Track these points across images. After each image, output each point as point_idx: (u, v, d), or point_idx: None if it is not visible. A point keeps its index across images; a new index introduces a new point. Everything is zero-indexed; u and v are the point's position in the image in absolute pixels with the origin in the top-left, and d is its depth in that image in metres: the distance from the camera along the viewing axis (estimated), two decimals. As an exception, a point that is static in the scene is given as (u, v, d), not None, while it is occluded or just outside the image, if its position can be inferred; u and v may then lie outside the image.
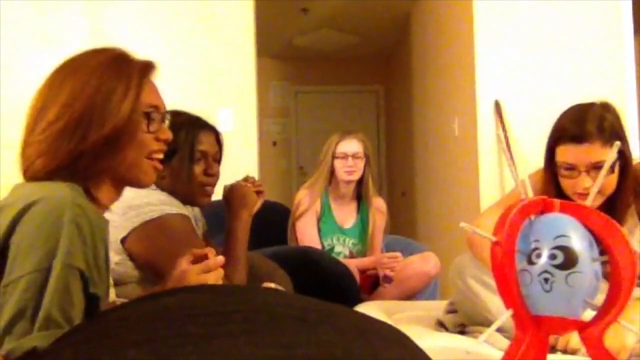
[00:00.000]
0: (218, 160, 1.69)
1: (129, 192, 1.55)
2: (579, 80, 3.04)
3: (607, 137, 1.46)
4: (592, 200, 0.98)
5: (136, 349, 0.66)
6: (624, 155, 1.50)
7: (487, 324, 1.40)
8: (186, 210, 1.57)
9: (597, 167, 1.45)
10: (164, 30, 3.22)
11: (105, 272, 0.99)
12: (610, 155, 1.10)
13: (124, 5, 3.20)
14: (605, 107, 1.52)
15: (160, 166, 1.08)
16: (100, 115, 0.97)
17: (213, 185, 1.65)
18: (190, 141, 1.58)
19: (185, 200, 1.57)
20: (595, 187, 1.00)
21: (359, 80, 6.48)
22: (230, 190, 1.70)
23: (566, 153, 1.50)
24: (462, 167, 3.36)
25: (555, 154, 1.54)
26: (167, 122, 1.11)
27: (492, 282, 1.35)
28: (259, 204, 1.74)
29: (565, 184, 1.53)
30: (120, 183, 1.05)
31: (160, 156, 1.07)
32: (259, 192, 1.74)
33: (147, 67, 1.08)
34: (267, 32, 4.55)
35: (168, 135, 1.09)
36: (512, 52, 3.08)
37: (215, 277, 1.09)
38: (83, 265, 0.88)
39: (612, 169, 1.46)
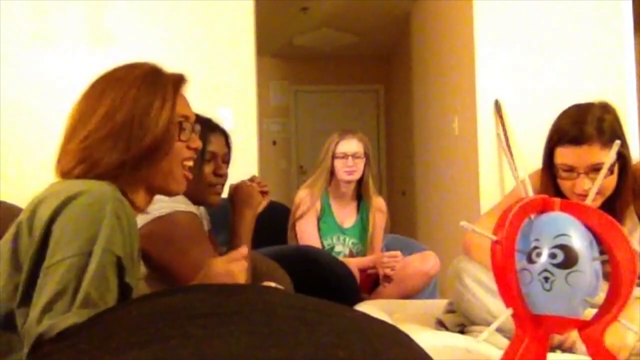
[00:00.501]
0: (227, 161, 1.71)
1: None
2: (578, 80, 3.04)
3: (606, 138, 1.45)
4: (591, 201, 0.98)
5: (138, 350, 0.66)
6: (623, 156, 1.49)
7: (486, 324, 1.40)
8: (195, 209, 1.58)
9: (596, 168, 1.44)
10: (164, 29, 3.22)
11: (137, 266, 1.05)
12: (609, 156, 1.10)
13: (123, 5, 3.20)
14: (605, 108, 1.51)
15: (190, 175, 1.14)
16: (140, 127, 1.03)
17: (222, 185, 1.68)
18: (201, 142, 1.59)
19: (195, 199, 1.59)
20: (595, 189, 1.00)
21: (359, 79, 6.48)
22: (235, 190, 1.71)
23: (565, 155, 1.49)
24: (462, 167, 3.36)
25: (554, 156, 1.53)
26: (196, 131, 1.17)
27: (491, 284, 1.36)
28: (263, 204, 1.76)
29: (564, 185, 1.52)
30: (153, 190, 1.11)
31: (191, 164, 1.14)
32: (264, 193, 1.76)
33: (180, 80, 1.14)
34: (267, 32, 4.55)
35: (198, 143, 1.15)
36: (512, 51, 3.08)
37: (240, 267, 1.14)
38: (122, 253, 0.93)
39: (611, 170, 1.46)
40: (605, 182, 1.43)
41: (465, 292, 1.44)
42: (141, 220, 1.44)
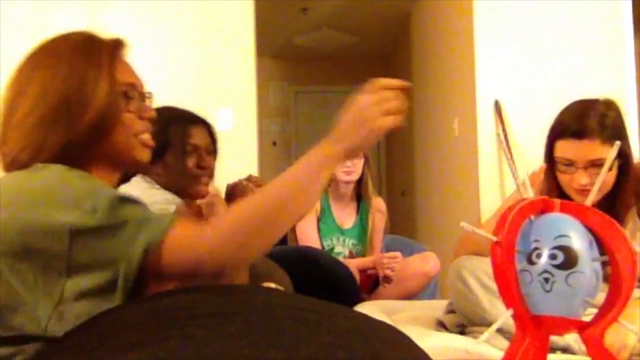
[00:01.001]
0: (212, 152, 1.70)
1: (134, 190, 1.55)
2: (578, 80, 3.04)
3: (608, 134, 1.44)
4: (591, 201, 0.98)
5: (138, 350, 0.66)
6: (624, 154, 1.48)
7: (486, 325, 1.40)
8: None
9: (595, 164, 1.43)
10: (164, 29, 3.22)
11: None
12: (610, 154, 1.10)
13: (123, 5, 3.20)
14: (608, 105, 1.50)
15: (150, 142, 1.05)
16: (77, 103, 0.93)
17: (207, 177, 1.66)
18: (180, 135, 1.59)
19: (180, 193, 1.59)
20: (596, 187, 1.00)
21: (358, 80, 6.36)
22: (232, 189, 1.71)
23: (565, 148, 1.48)
24: (462, 167, 3.36)
25: (554, 149, 1.52)
26: (148, 101, 1.07)
27: (491, 284, 1.36)
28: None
29: (563, 179, 1.51)
30: (117, 165, 1.02)
31: (146, 137, 1.04)
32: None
33: (116, 46, 1.04)
34: (267, 32, 4.55)
35: (151, 113, 1.05)
36: (512, 51, 3.08)
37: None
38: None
39: (610, 167, 1.42)
40: (604, 178, 1.42)
41: (466, 292, 1.44)
42: None
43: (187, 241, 0.87)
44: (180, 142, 1.59)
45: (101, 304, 0.83)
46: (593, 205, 0.98)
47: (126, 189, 1.56)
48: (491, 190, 3.03)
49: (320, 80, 6.41)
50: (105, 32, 1.05)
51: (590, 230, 0.90)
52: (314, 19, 5.15)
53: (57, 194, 0.85)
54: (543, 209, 0.92)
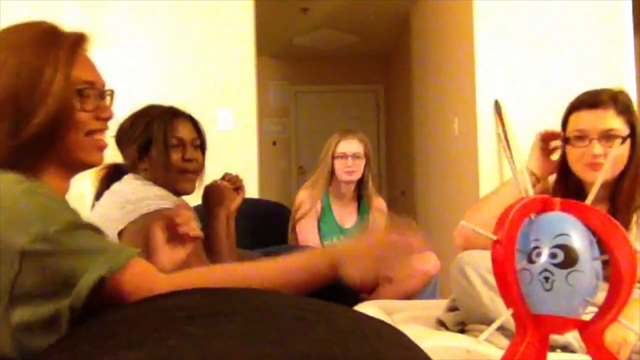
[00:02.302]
0: (198, 146, 1.70)
1: (126, 187, 1.56)
2: (579, 80, 3.04)
3: (620, 108, 1.46)
4: (605, 176, 0.96)
5: (136, 350, 0.66)
6: (636, 131, 1.48)
7: (487, 322, 1.40)
8: (177, 200, 1.59)
9: (608, 135, 1.44)
10: (163, 30, 3.22)
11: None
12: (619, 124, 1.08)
13: (123, 5, 3.20)
14: (621, 90, 1.53)
15: (105, 143, 0.98)
16: (28, 102, 0.86)
17: (194, 171, 1.66)
18: (163, 130, 1.60)
19: (168, 187, 1.59)
20: (608, 164, 0.98)
21: (358, 79, 6.48)
22: (207, 191, 1.72)
23: (578, 120, 1.49)
24: (462, 167, 3.36)
25: (568, 125, 1.53)
26: (108, 99, 1.00)
27: (493, 281, 1.36)
28: (238, 200, 1.76)
29: (575, 155, 1.50)
30: (66, 169, 0.95)
31: (102, 137, 0.97)
32: (238, 189, 1.75)
33: (77, 41, 0.96)
34: (267, 32, 4.55)
35: (109, 113, 0.98)
36: (512, 51, 3.08)
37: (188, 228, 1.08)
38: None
39: (623, 140, 1.45)
40: (617, 154, 1.44)
41: (468, 287, 1.43)
42: (127, 216, 1.45)
43: (142, 279, 0.84)
44: (163, 136, 1.59)
45: (47, 338, 0.76)
46: (605, 184, 0.98)
47: (119, 187, 1.57)
48: (491, 189, 3.03)
49: (320, 80, 6.42)
50: (66, 25, 1.00)
51: (591, 229, 0.90)
52: (314, 19, 5.15)
53: (8, 213, 0.79)
54: (543, 207, 0.92)
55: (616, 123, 1.45)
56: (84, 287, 0.79)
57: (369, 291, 2.54)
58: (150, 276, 0.86)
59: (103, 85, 0.99)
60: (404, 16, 4.97)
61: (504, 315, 0.85)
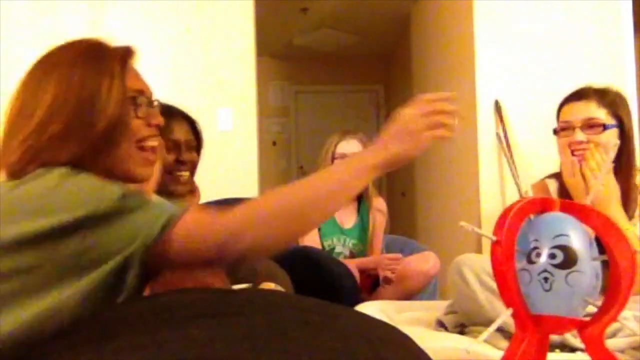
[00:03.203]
0: (194, 147, 1.68)
1: None
2: (579, 80, 3.02)
3: (605, 101, 1.58)
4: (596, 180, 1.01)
5: (137, 351, 0.66)
6: (622, 123, 1.59)
7: (485, 323, 1.40)
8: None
9: (591, 124, 1.56)
10: (164, 29, 3.22)
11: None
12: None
13: (123, 5, 3.20)
14: (609, 87, 1.65)
15: (153, 158, 1.03)
16: (91, 114, 0.92)
17: (187, 173, 1.65)
18: (163, 118, 1.58)
19: (158, 189, 1.58)
20: (603, 171, 1.00)
21: (358, 80, 6.48)
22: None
23: (565, 112, 1.64)
24: (462, 167, 3.36)
25: (558, 120, 1.67)
26: (156, 106, 1.06)
27: (490, 282, 1.37)
28: (195, 202, 1.74)
29: (562, 144, 1.63)
30: (117, 179, 0.99)
31: (154, 143, 1.03)
32: (192, 192, 1.74)
33: (126, 54, 1.03)
34: (267, 32, 4.54)
35: (159, 119, 1.04)
36: (512, 51, 3.08)
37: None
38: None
39: (604, 127, 1.57)
40: (599, 138, 1.56)
41: (465, 288, 1.44)
42: None
43: (208, 220, 0.87)
44: None
45: (114, 298, 0.82)
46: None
47: None
48: (491, 190, 3.03)
49: (320, 80, 6.41)
50: (111, 38, 1.05)
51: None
52: (314, 18, 5.15)
53: (70, 189, 0.84)
54: (543, 208, 0.92)
55: (598, 113, 1.57)
56: (152, 233, 0.82)
57: (369, 291, 2.54)
58: (213, 218, 0.88)
59: (151, 94, 1.06)
60: (404, 16, 4.96)
61: (504, 315, 0.85)
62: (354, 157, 1.03)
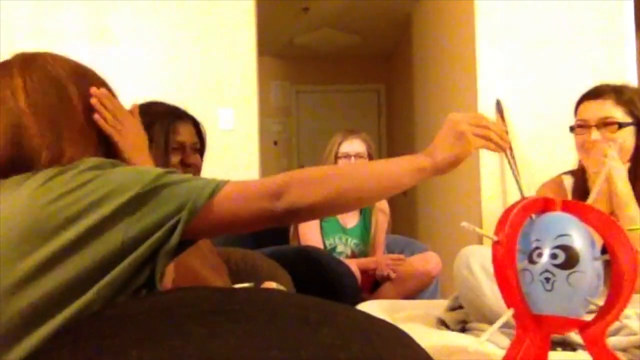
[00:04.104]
0: (197, 150, 1.68)
1: None
2: (580, 80, 3.04)
3: (622, 99, 1.57)
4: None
5: (138, 349, 0.66)
6: (637, 119, 1.58)
7: (487, 313, 1.40)
8: None
9: (607, 123, 1.56)
10: (164, 29, 3.22)
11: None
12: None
13: (124, 5, 3.20)
14: (626, 85, 1.65)
15: None
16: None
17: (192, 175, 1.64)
18: (165, 132, 1.58)
19: None
20: (603, 175, 1.00)
21: (360, 79, 6.48)
22: None
23: (582, 110, 1.63)
24: (464, 167, 3.35)
25: (576, 117, 1.67)
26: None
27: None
28: None
29: (578, 142, 1.64)
30: None
31: None
32: None
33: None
34: (268, 32, 4.54)
35: None
36: (513, 51, 3.07)
37: None
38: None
39: (621, 126, 1.56)
40: (617, 136, 1.55)
41: (470, 278, 1.44)
42: None
43: (252, 183, 0.91)
44: (164, 138, 1.57)
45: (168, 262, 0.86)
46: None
47: None
48: (492, 189, 3.03)
49: (321, 80, 6.41)
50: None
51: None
52: (315, 18, 5.15)
53: (116, 176, 0.88)
54: (544, 207, 0.92)
55: (614, 112, 1.56)
56: (201, 197, 0.86)
57: (370, 291, 2.54)
58: (250, 185, 0.92)
59: None
60: (405, 16, 4.96)
61: (505, 315, 0.85)
62: (403, 158, 1.03)
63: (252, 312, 0.72)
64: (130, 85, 3.03)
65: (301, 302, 0.77)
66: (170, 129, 1.58)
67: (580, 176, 1.69)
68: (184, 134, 1.62)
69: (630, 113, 1.58)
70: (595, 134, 1.57)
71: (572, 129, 1.67)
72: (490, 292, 1.39)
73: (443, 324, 1.56)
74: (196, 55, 3.23)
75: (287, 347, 0.65)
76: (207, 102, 3.12)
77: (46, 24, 3.13)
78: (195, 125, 1.67)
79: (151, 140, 1.56)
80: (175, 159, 1.59)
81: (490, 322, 0.87)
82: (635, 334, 1.18)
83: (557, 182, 1.77)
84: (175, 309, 0.74)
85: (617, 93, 1.58)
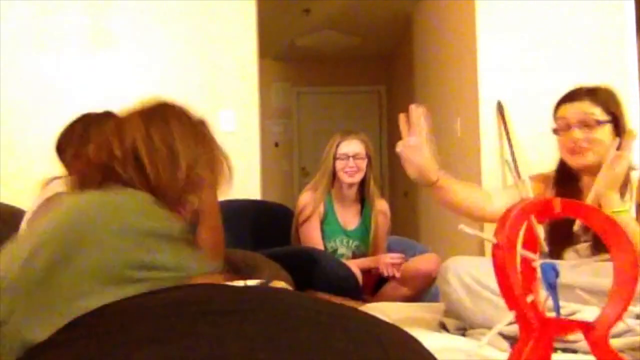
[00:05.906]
0: None
1: None
2: (580, 79, 3.02)
3: (597, 99, 1.64)
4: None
5: (145, 350, 0.64)
6: (617, 124, 1.64)
7: (477, 326, 1.40)
8: None
9: (586, 120, 1.63)
10: (165, 31, 3.22)
11: None
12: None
13: (125, 6, 3.20)
14: (606, 88, 1.71)
15: None
16: None
17: None
18: None
19: None
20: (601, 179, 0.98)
21: (360, 80, 6.48)
22: None
23: (560, 111, 1.71)
24: (464, 168, 3.35)
25: (555, 118, 1.73)
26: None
27: (475, 286, 1.41)
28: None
29: (561, 142, 1.70)
30: None
31: None
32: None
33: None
34: (269, 33, 4.55)
35: None
36: (514, 52, 3.07)
37: None
38: None
39: (598, 122, 1.62)
40: (595, 134, 1.62)
41: (450, 292, 1.48)
42: None
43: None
44: None
45: None
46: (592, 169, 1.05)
47: None
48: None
49: (322, 81, 6.41)
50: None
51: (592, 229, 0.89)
52: (316, 20, 5.15)
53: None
54: (544, 210, 0.92)
55: (592, 111, 1.63)
56: (194, 271, 0.95)
57: (371, 292, 2.53)
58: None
59: None
60: (405, 17, 4.96)
61: (507, 318, 0.85)
62: None
63: (263, 313, 0.70)
64: (131, 88, 3.03)
65: (311, 304, 0.77)
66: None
67: (561, 173, 1.75)
68: None
69: (607, 111, 1.64)
70: (578, 133, 1.63)
71: (555, 131, 1.73)
72: (473, 306, 1.41)
73: (444, 327, 1.56)
74: (197, 58, 3.23)
75: (299, 352, 0.64)
76: (208, 104, 3.12)
77: (47, 26, 3.13)
78: None
79: None
80: None
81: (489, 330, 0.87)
82: (634, 335, 1.18)
83: (545, 174, 1.83)
84: (185, 306, 0.73)
85: (591, 94, 1.66)
